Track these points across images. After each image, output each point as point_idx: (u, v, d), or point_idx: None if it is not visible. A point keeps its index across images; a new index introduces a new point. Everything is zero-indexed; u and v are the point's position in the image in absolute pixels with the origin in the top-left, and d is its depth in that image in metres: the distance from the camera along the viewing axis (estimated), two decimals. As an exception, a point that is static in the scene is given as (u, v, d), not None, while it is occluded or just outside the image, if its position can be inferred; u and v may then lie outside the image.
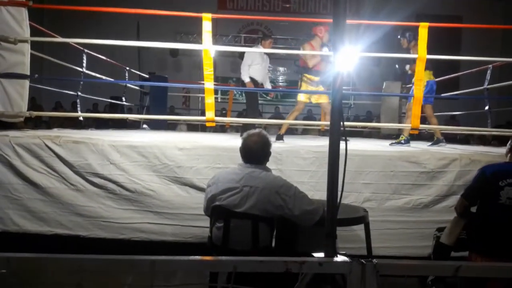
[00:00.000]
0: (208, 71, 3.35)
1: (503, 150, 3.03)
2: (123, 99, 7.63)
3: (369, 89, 10.23)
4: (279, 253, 2.36)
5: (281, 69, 13.13)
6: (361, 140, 6.11)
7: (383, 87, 7.05)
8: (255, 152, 2.30)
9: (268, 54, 5.69)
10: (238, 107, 10.96)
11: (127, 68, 7.52)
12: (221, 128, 9.26)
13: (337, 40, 1.32)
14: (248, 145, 2.31)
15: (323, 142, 5.06)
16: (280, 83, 13.34)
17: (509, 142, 2.71)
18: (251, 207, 2.17)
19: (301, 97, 4.87)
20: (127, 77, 7.60)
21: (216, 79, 11.39)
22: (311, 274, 1.39)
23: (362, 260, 1.05)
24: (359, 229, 2.77)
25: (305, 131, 9.19)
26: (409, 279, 2.68)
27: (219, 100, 11.81)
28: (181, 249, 3.12)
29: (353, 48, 7.58)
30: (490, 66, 5.58)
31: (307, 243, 2.45)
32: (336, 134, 1.39)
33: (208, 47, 3.35)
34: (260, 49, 5.26)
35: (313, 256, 1.42)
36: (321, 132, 8.01)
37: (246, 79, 5.23)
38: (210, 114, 3.32)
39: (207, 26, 3.38)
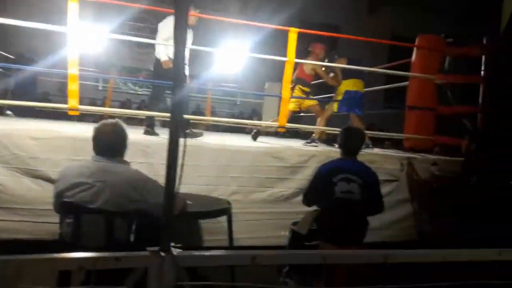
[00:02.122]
0: (72, 56, 3.11)
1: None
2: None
3: (255, 89, 10.59)
4: (137, 248, 2.32)
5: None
6: (239, 136, 6.29)
7: (265, 87, 7.40)
8: (108, 144, 2.18)
9: (194, 30, 4.47)
10: (122, 96, 10.44)
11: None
12: (102, 119, 8.69)
13: (178, 33, 1.32)
14: (100, 136, 2.19)
15: (204, 136, 5.12)
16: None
17: (338, 140, 3.11)
18: (105, 202, 2.07)
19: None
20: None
21: (97, 66, 10.69)
22: (142, 269, 1.38)
23: (162, 253, 1.07)
24: (224, 221, 2.86)
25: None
26: (270, 270, 2.86)
27: (100, 88, 11.08)
28: (37, 247, 2.86)
29: (237, 46, 7.82)
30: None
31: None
32: (175, 127, 1.40)
33: (72, 31, 3.11)
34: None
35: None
36: (207, 127, 8.02)
37: (163, 57, 4.17)
38: (73, 102, 3.09)
39: (73, 8, 3.13)
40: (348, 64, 4.91)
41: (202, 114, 10.13)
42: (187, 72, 4.52)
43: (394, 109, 6.50)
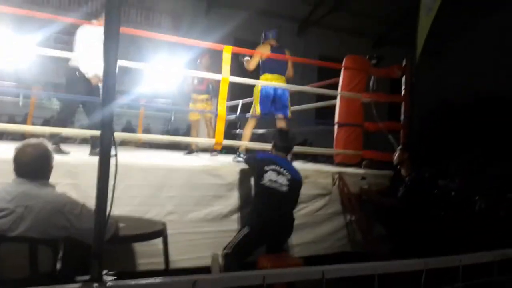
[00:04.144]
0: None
1: (294, 163, 3.60)
2: None
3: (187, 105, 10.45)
4: (65, 277, 2.15)
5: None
6: (174, 152, 6.16)
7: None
8: (31, 166, 2.02)
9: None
10: (45, 112, 9.78)
11: None
12: (22, 137, 8.04)
13: (108, 49, 1.27)
14: (21, 157, 2.02)
15: (136, 154, 4.92)
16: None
17: (272, 138, 3.33)
18: (27, 230, 1.90)
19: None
20: None
21: (19, 80, 9.92)
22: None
23: (94, 284, 1.00)
24: (160, 243, 2.76)
25: (123, 143, 8.78)
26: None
27: (20, 104, 10.28)
28: None
29: (170, 63, 7.70)
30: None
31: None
32: (107, 145, 1.34)
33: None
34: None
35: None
36: (139, 144, 7.75)
37: (90, 72, 3.88)
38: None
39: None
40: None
41: (134, 130, 9.79)
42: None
43: (325, 125, 6.79)
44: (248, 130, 4.51)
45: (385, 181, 4.46)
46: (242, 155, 4.12)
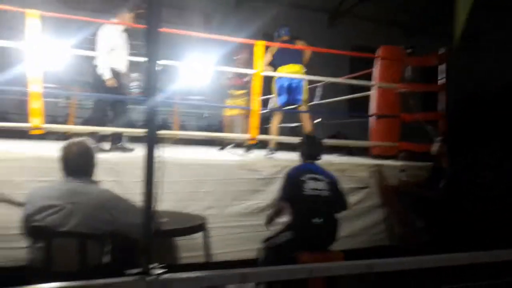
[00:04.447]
0: (33, 73, 3.00)
1: (330, 157, 3.55)
2: None
3: (222, 101, 10.55)
4: (112, 270, 2.24)
5: (134, 74, 12.62)
6: (209, 148, 6.25)
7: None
8: (76, 164, 2.11)
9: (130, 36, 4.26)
10: (85, 113, 10.12)
11: None
12: (65, 136, 8.40)
13: (150, 48, 1.30)
14: (67, 156, 2.11)
15: (173, 150, 5.03)
16: (133, 90, 12.79)
17: (299, 147, 3.27)
18: (76, 225, 2.00)
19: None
20: None
21: (59, 81, 10.33)
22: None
23: (147, 277, 1.03)
24: (201, 237, 2.82)
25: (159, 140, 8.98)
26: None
27: (60, 105, 10.71)
28: (5, 274, 2.70)
29: (203, 60, 7.80)
30: (319, 84, 6.36)
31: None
32: (152, 142, 1.38)
33: (31, 47, 3.00)
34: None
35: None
36: (175, 141, 7.91)
37: (107, 75, 3.93)
38: (36, 121, 2.97)
39: (32, 24, 3.02)
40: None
41: (169, 127, 10.01)
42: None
43: (359, 117, 6.68)
44: (274, 125, 4.68)
45: (423, 172, 4.34)
46: (273, 151, 4.20)
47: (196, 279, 1.02)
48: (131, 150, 4.05)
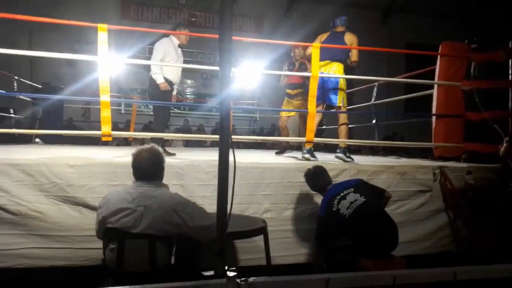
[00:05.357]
0: (103, 83, 3.19)
1: (388, 159, 3.42)
2: (11, 111, 7.02)
3: (273, 104, 10.62)
4: (179, 271, 2.32)
5: (189, 81, 13.06)
6: (262, 152, 6.30)
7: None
8: (147, 169, 2.22)
9: (182, 49, 4.79)
10: (144, 119, 10.61)
11: (16, 77, 6.94)
12: (125, 142, 8.87)
13: (223, 55, 1.35)
14: (138, 162, 2.23)
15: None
16: (188, 96, 13.24)
17: (309, 183, 3.25)
18: (146, 227, 2.10)
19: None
20: (15, 88, 6.99)
21: (120, 90, 10.93)
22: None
23: (238, 280, 1.06)
24: (260, 239, 2.85)
25: (214, 144, 9.21)
26: None
27: (122, 112, 11.32)
28: (73, 273, 2.90)
29: (254, 64, 7.90)
30: (376, 84, 6.20)
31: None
32: (225, 148, 1.42)
33: (103, 59, 3.19)
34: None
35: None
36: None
37: (160, 79, 4.40)
38: (106, 128, 3.15)
39: (102, 37, 3.23)
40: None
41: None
42: (174, 92, 4.96)
43: (419, 117, 6.42)
44: (302, 126, 4.82)
45: (491, 175, 4.08)
46: (306, 151, 4.20)
47: (278, 283, 1.02)
48: (173, 154, 4.28)
